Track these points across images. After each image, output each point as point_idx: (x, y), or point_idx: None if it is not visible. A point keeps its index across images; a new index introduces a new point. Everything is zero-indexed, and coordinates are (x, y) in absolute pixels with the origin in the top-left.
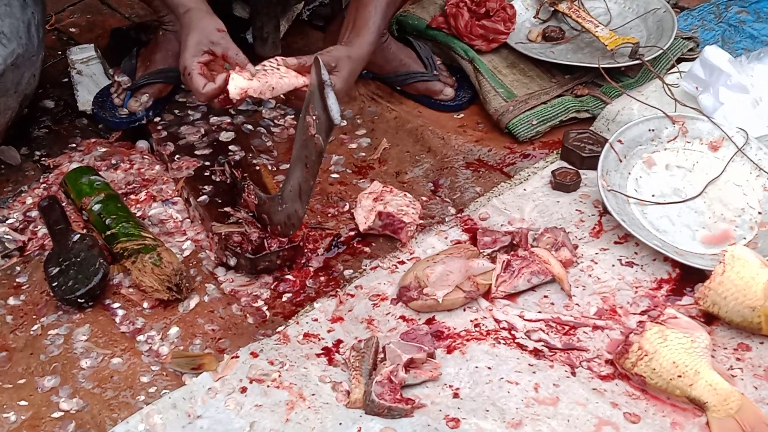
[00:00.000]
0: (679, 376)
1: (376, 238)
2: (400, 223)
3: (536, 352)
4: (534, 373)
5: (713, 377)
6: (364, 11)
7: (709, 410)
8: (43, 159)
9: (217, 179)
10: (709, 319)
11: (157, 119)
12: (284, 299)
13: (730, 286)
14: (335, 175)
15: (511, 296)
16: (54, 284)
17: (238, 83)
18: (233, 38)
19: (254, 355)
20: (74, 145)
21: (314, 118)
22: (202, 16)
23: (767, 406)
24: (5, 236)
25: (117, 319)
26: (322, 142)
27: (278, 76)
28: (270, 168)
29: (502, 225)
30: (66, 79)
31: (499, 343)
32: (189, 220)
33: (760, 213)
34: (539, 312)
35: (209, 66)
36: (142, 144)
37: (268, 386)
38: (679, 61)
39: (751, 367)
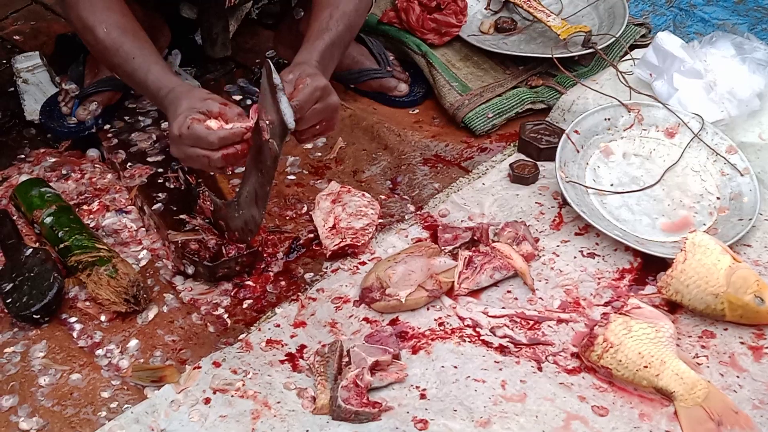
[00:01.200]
0: (646, 367)
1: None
2: (358, 247)
3: (502, 349)
4: (500, 370)
5: (679, 366)
6: (314, 28)
7: (677, 399)
8: None
9: (171, 186)
10: (672, 307)
11: (107, 127)
12: (245, 306)
13: (692, 274)
14: (292, 177)
15: (475, 293)
16: (8, 301)
17: None
18: (182, 40)
19: (217, 364)
20: (23, 156)
21: (267, 122)
22: (189, 89)
23: (734, 393)
24: None
25: (74, 334)
26: (277, 146)
27: None
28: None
29: (462, 221)
30: (12, 89)
31: (464, 341)
32: (144, 229)
33: (718, 198)
34: (503, 308)
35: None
36: (92, 153)
37: (232, 396)
38: (632, 48)
39: (716, 354)
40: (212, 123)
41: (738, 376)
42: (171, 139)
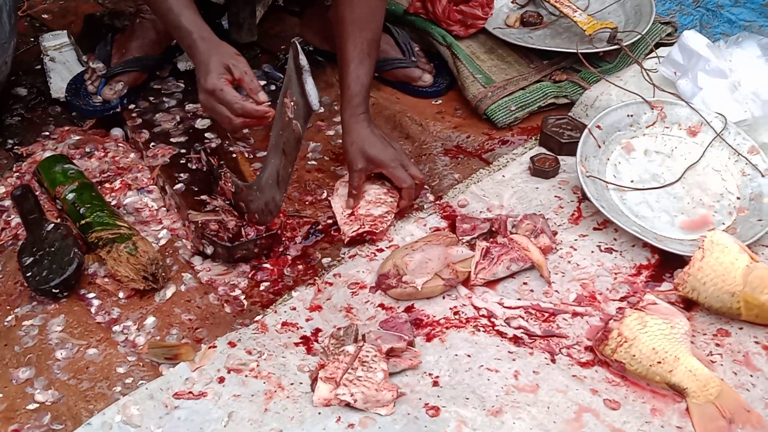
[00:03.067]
0: (659, 363)
1: None
2: (376, 234)
3: (516, 340)
4: (514, 360)
5: (693, 363)
6: (345, 73)
7: (689, 396)
8: (16, 147)
9: (193, 167)
10: (688, 305)
11: (131, 106)
12: (262, 288)
13: (710, 272)
14: (313, 163)
15: (491, 283)
16: (28, 274)
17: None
18: (209, 24)
19: (232, 344)
20: (47, 133)
21: (292, 103)
22: (219, 43)
23: (747, 392)
24: None
25: (92, 310)
26: (300, 128)
27: None
28: (247, 155)
29: (481, 212)
30: (39, 66)
31: (479, 330)
32: (165, 208)
33: (738, 198)
34: (518, 299)
35: None
36: (116, 132)
37: (246, 376)
38: (658, 46)
39: (730, 353)
40: (237, 94)
41: (751, 375)
42: (201, 89)
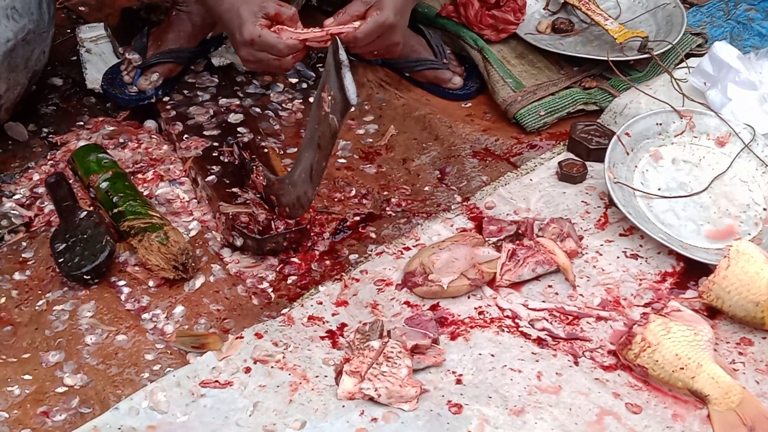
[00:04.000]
0: (682, 369)
1: (381, 223)
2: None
3: (539, 341)
4: (537, 361)
5: (715, 370)
6: None
7: (711, 403)
8: (51, 136)
9: (226, 160)
10: (712, 313)
11: (166, 99)
12: (289, 282)
13: (735, 281)
14: (342, 160)
15: (516, 285)
16: (60, 260)
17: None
18: None
19: (259, 336)
20: (82, 123)
21: (330, 97)
22: None
23: None
24: (12, 212)
25: (122, 297)
26: (337, 122)
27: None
28: (278, 151)
29: (507, 214)
30: (75, 58)
31: (503, 331)
32: (196, 200)
33: (765, 209)
34: (543, 301)
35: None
36: (150, 123)
37: (272, 367)
38: (688, 56)
39: (753, 362)
40: (283, 32)
41: None
42: (240, 44)
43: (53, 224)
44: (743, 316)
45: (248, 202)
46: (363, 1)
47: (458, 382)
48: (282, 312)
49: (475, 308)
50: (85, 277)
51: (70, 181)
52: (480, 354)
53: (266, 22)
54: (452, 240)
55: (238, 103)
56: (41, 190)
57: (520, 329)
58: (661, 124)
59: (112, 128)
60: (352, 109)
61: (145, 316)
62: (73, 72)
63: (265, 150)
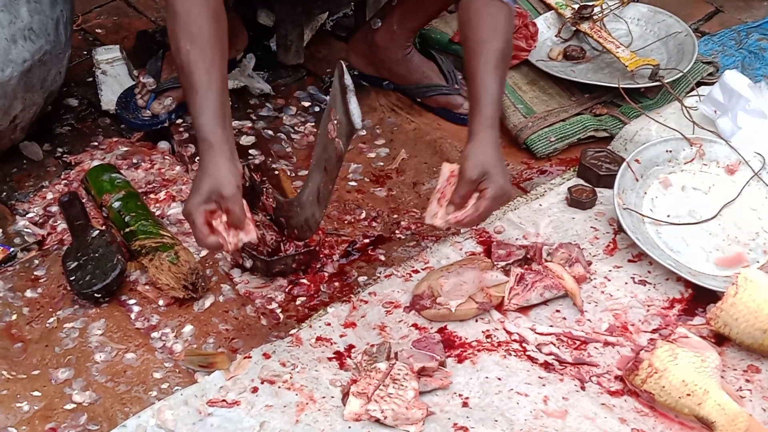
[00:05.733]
0: (688, 395)
1: (391, 246)
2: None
3: (546, 365)
4: (543, 385)
5: (722, 397)
6: (473, 86)
7: (717, 430)
8: (65, 156)
9: None
10: (719, 339)
11: (179, 121)
12: (298, 303)
13: (743, 308)
14: (353, 183)
15: (524, 309)
16: (71, 278)
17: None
18: (257, 45)
19: (266, 356)
20: (96, 143)
21: (335, 122)
22: (221, 162)
23: None
24: (25, 230)
25: (132, 315)
26: (342, 146)
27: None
28: (289, 173)
29: (516, 239)
30: (90, 79)
31: (510, 354)
32: None
33: None
34: (551, 326)
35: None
36: (163, 145)
37: (280, 387)
38: (699, 84)
39: (760, 389)
40: (206, 231)
41: None
42: (186, 202)
43: (65, 243)
44: (751, 344)
45: (258, 224)
46: (468, 181)
47: (464, 405)
48: (290, 333)
49: (483, 332)
50: (95, 295)
51: (83, 201)
52: (487, 377)
53: (212, 207)
54: (461, 263)
55: (250, 125)
56: (54, 208)
57: (527, 353)
58: (671, 152)
59: (125, 149)
60: (362, 132)
61: (155, 334)
62: (88, 93)
63: (276, 172)
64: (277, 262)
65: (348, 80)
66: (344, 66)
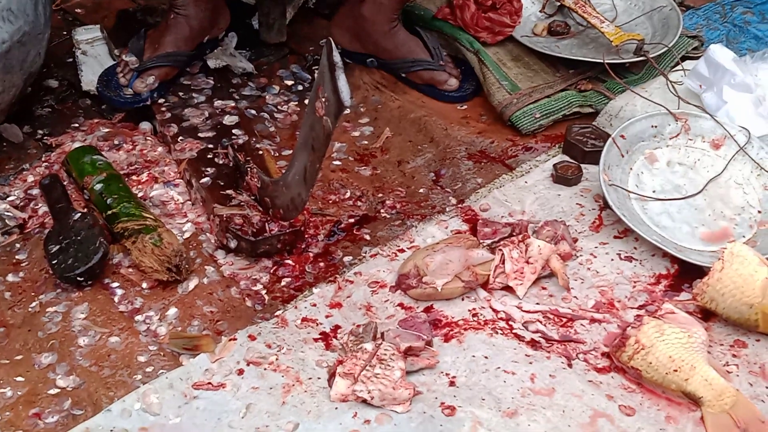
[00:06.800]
0: (675, 371)
1: (376, 225)
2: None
3: (533, 343)
4: (530, 363)
5: (709, 372)
6: None
7: (704, 405)
8: (46, 138)
9: (220, 162)
10: (706, 315)
11: (161, 100)
12: (283, 284)
13: (729, 283)
14: (337, 162)
15: (509, 287)
16: (53, 262)
17: None
18: (239, 24)
19: (252, 337)
20: (77, 124)
21: (323, 100)
22: None
23: (762, 403)
24: (6, 213)
25: (116, 299)
26: (331, 124)
27: None
28: (273, 153)
29: (502, 216)
30: (70, 60)
31: (497, 333)
32: (190, 202)
33: (759, 212)
34: (537, 303)
35: None
36: (145, 125)
37: (265, 369)
38: (684, 59)
39: (746, 364)
40: None
41: (767, 387)
42: None
43: (47, 226)
44: (737, 319)
45: (242, 204)
46: None
47: (451, 384)
48: (275, 314)
49: (469, 310)
50: (78, 278)
51: (65, 183)
52: (473, 356)
53: None
54: (446, 242)
55: (233, 105)
56: (35, 191)
57: (513, 331)
58: (656, 127)
59: (107, 130)
60: (346, 111)
61: (139, 318)
62: (68, 74)
63: (260, 152)
64: (262, 243)
65: (337, 57)
66: (333, 43)
